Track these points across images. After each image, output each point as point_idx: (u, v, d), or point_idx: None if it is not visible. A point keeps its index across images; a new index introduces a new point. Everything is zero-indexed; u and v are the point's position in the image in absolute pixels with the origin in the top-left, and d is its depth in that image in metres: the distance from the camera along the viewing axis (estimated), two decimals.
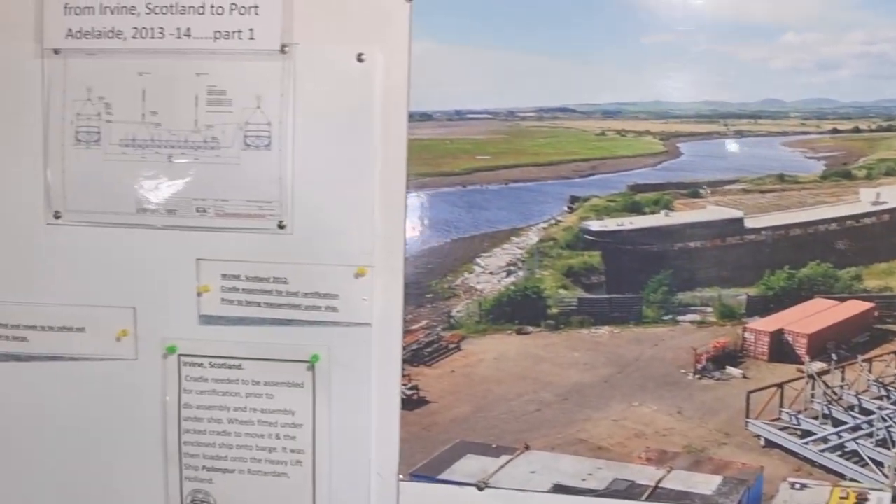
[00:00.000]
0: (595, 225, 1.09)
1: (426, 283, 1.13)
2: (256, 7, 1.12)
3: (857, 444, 1.07)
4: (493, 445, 1.12)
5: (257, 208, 1.15)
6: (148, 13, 1.14)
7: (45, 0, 1.15)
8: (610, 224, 1.09)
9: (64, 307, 1.20)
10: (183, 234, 1.17)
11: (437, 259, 1.13)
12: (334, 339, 1.15)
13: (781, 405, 1.09)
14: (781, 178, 1.08)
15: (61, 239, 1.19)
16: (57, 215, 1.18)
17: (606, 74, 1.06)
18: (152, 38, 1.14)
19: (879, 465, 1.05)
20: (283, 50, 1.12)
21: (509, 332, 1.12)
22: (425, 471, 1.14)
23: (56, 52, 1.16)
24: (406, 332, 1.13)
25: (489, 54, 1.09)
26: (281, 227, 1.14)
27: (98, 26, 1.15)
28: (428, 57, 1.10)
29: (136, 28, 1.14)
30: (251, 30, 1.12)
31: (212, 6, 1.13)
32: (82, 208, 1.18)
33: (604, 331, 1.09)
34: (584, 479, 1.08)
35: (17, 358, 1.22)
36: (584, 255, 1.09)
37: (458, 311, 1.13)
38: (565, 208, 1.10)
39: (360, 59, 1.11)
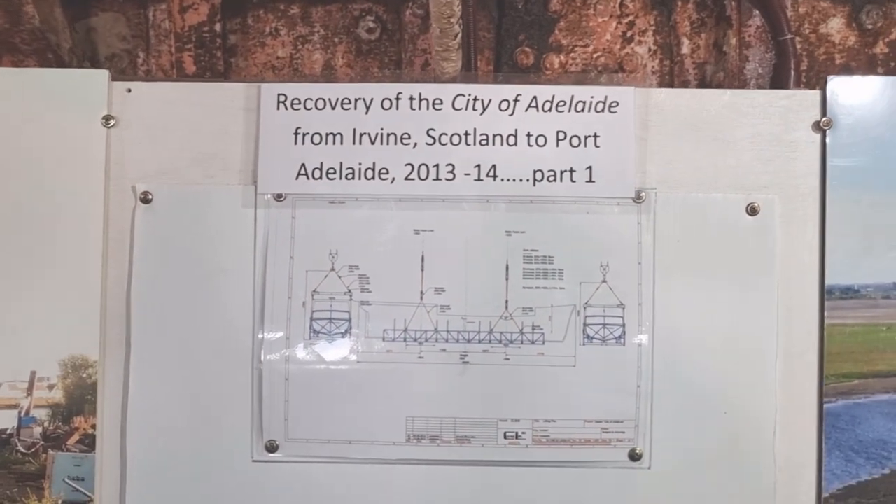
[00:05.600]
0: None
1: None
2: (597, 136, 0.77)
3: None
4: None
5: (599, 431, 0.76)
6: (430, 143, 0.77)
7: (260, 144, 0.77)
8: None
9: None
10: (483, 471, 0.76)
11: (869, 500, 0.77)
12: None
13: None
14: None
15: (274, 481, 0.76)
16: (271, 446, 0.76)
17: None
18: (436, 178, 0.77)
19: None
20: (638, 197, 0.77)
21: None
22: None
23: (278, 197, 0.77)
24: None
25: None
26: (634, 458, 0.76)
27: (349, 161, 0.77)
28: (849, 208, 0.77)
29: (410, 164, 0.77)
30: (589, 168, 0.77)
31: (530, 133, 0.77)
32: (312, 436, 0.76)
33: None
34: None
35: None
36: None
37: None
38: None
39: (751, 212, 0.77)
